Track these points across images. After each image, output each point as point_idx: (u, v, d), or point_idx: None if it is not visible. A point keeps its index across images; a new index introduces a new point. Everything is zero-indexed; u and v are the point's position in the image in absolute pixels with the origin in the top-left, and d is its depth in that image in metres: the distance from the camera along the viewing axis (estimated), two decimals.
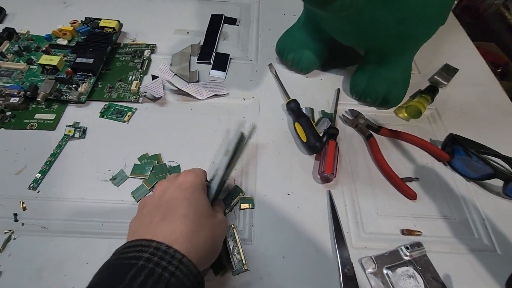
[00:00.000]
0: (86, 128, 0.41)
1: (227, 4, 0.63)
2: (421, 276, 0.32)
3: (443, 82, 0.52)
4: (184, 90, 0.45)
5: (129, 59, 0.50)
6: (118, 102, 0.45)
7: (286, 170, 0.39)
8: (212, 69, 0.50)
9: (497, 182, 0.38)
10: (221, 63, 0.51)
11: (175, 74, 0.49)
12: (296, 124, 0.42)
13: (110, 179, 0.37)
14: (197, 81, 0.48)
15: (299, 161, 0.40)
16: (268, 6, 0.63)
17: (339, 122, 0.45)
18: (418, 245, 0.34)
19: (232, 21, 0.59)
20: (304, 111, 0.44)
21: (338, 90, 0.49)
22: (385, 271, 0.32)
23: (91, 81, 0.45)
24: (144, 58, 0.50)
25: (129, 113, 0.43)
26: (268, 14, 0.61)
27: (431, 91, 0.48)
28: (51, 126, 0.41)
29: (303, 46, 0.48)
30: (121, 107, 0.44)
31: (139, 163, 0.38)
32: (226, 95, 0.47)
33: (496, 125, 0.47)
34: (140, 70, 0.49)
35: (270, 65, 0.51)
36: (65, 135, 0.40)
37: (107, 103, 0.44)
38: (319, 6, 0.31)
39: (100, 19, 0.52)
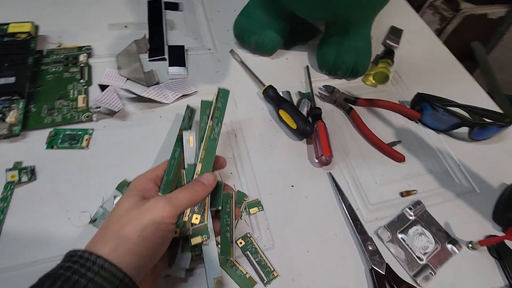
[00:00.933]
0: (34, 166, 0.33)
1: None
2: (428, 231, 0.35)
3: (394, 44, 0.54)
4: (146, 96, 0.39)
5: (61, 69, 0.41)
6: (66, 125, 0.36)
7: (282, 162, 0.38)
8: (170, 65, 0.44)
9: (463, 129, 0.42)
10: (178, 57, 0.45)
11: (127, 79, 0.41)
12: (281, 111, 0.39)
13: (90, 222, 0.30)
14: (157, 83, 0.42)
15: (292, 149, 0.39)
16: None
17: (317, 100, 0.45)
18: (418, 203, 0.36)
19: (173, 6, 0.52)
20: (282, 95, 0.42)
21: (307, 67, 0.48)
22: (399, 236, 0.34)
23: (20, 106, 0.35)
24: (81, 64, 0.41)
25: (86, 136, 0.36)
26: None
27: (389, 54, 0.50)
28: None
29: (264, 26, 0.45)
30: (72, 130, 0.36)
31: (119, 193, 0.32)
32: (195, 93, 0.42)
33: (446, 77, 0.52)
34: (81, 80, 0.40)
35: (232, 51, 0.47)
36: (8, 182, 0.31)
37: (51, 129, 0.36)
38: None
39: (8, 24, 0.40)
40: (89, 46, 0.44)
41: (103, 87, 0.39)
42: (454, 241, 0.34)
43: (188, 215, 0.25)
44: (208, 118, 0.30)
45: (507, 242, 0.34)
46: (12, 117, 0.34)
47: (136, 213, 0.23)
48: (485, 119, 0.44)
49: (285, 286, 0.30)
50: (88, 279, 0.19)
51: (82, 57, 0.42)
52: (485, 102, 0.49)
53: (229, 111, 0.41)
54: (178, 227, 0.25)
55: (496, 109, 0.47)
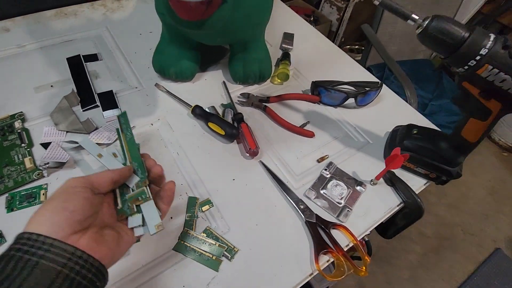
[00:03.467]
0: (0, 231, 0.36)
1: (75, 42, 0.60)
2: (341, 181, 0.46)
3: (289, 47, 0.67)
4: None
5: None
6: (20, 187, 0.40)
7: (221, 163, 0.46)
8: (104, 110, 0.49)
9: (351, 100, 0.55)
10: (109, 101, 0.50)
11: (67, 132, 0.46)
12: (210, 123, 0.48)
13: None
14: (96, 128, 0.47)
15: (226, 151, 0.47)
16: (119, 31, 0.63)
17: (238, 107, 0.54)
18: (331, 163, 0.47)
19: (92, 57, 0.57)
20: (208, 111, 0.50)
21: (224, 82, 0.57)
22: (321, 192, 0.44)
23: None
24: (18, 130, 0.45)
25: (42, 191, 0.40)
26: (124, 38, 0.62)
27: (286, 56, 0.62)
28: None
29: (179, 58, 0.53)
30: (27, 190, 0.40)
31: None
32: (133, 128, 0.48)
33: (334, 63, 0.65)
34: (22, 144, 0.43)
35: (157, 85, 0.54)
36: None
37: (6, 194, 0.39)
38: (194, 28, 0.37)
39: None
40: (21, 112, 0.47)
41: (45, 145, 0.43)
42: (360, 183, 0.46)
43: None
44: (120, 132, 0.38)
45: (395, 171, 0.47)
46: None
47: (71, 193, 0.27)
48: (365, 88, 0.57)
49: (245, 256, 0.38)
50: (39, 256, 0.22)
51: (17, 124, 0.45)
52: (365, 75, 0.64)
53: (166, 134, 0.48)
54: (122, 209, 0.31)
55: (372, 79, 0.62)
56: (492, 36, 0.32)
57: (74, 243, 0.24)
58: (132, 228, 0.30)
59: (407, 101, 0.61)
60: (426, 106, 1.49)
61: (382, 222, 0.49)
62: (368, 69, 1.54)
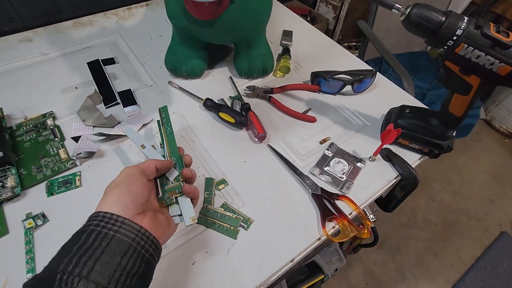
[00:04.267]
0: (43, 212, 0.41)
1: (93, 49, 0.65)
2: (343, 159, 0.50)
3: (289, 43, 0.72)
4: (114, 134, 0.49)
5: (34, 135, 0.49)
6: (56, 175, 0.45)
7: (232, 148, 0.51)
8: (124, 106, 0.54)
9: (348, 88, 0.60)
10: (129, 98, 0.56)
11: (94, 127, 0.51)
12: (220, 113, 0.53)
13: None
14: (119, 123, 0.52)
15: (237, 137, 0.52)
16: (131, 37, 0.69)
17: (245, 99, 0.59)
18: (332, 144, 0.52)
19: (110, 61, 0.63)
20: (218, 102, 0.55)
21: (231, 77, 0.62)
22: (325, 168, 0.49)
23: (13, 171, 0.43)
24: (51, 127, 0.50)
25: (77, 178, 0.45)
26: (137, 43, 0.67)
27: (286, 51, 0.67)
28: (3, 231, 0.39)
29: (189, 57, 0.58)
30: (64, 177, 0.45)
31: None
32: (151, 121, 0.53)
33: (329, 55, 0.70)
34: (56, 139, 0.49)
35: (170, 82, 0.60)
36: (27, 229, 0.39)
37: (46, 181, 0.44)
38: (206, 27, 0.42)
39: None
40: (51, 111, 0.52)
41: (76, 139, 0.49)
42: (360, 160, 0.50)
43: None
44: (161, 125, 0.42)
45: (391, 147, 0.51)
46: (10, 182, 0.42)
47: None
48: (360, 76, 0.62)
49: (260, 225, 0.42)
50: (115, 231, 0.26)
51: (49, 121, 0.51)
52: (360, 64, 0.68)
53: (182, 124, 0.53)
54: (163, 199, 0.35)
55: (367, 67, 0.66)
56: (466, 19, 0.37)
57: (139, 223, 0.28)
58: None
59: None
60: (424, 96, 1.53)
61: (382, 197, 0.54)
62: (366, 63, 1.58)
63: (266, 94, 0.59)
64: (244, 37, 0.57)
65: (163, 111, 0.43)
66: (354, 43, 2.14)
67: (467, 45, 0.37)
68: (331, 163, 0.50)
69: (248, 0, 0.45)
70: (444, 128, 0.48)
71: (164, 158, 0.39)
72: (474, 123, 1.45)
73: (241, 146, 0.51)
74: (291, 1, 1.97)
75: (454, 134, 0.50)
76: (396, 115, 0.52)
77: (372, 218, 1.13)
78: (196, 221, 0.34)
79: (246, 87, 0.60)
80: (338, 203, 0.45)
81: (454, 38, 0.37)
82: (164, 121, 0.41)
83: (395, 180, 0.49)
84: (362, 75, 0.60)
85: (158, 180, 0.36)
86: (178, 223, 0.35)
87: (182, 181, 0.36)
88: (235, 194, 0.45)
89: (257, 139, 0.51)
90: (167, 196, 0.35)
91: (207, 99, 0.55)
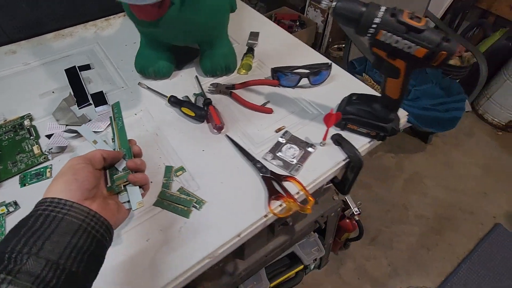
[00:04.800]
0: (15, 200, 0.46)
1: (71, 57, 0.71)
2: (295, 145, 0.54)
3: (254, 42, 0.76)
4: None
5: (12, 135, 0.54)
6: (30, 169, 0.50)
7: (193, 139, 0.55)
8: (96, 107, 0.59)
9: (306, 81, 0.64)
10: (100, 99, 0.60)
11: (66, 125, 0.56)
12: (183, 108, 0.57)
13: None
14: (90, 120, 0.57)
15: (198, 129, 0.56)
16: (108, 44, 0.74)
17: (209, 95, 0.63)
18: (286, 132, 0.56)
19: (86, 67, 0.68)
20: (181, 99, 0.60)
21: (196, 76, 0.66)
22: (277, 154, 0.52)
23: None
24: (27, 127, 0.55)
25: (48, 170, 0.49)
26: (112, 50, 0.73)
27: (250, 50, 0.71)
28: None
29: (156, 59, 0.63)
30: (36, 170, 0.49)
31: None
32: None
33: (292, 52, 0.74)
34: (31, 137, 0.54)
35: (140, 83, 0.64)
36: None
37: (20, 174, 0.49)
38: (151, 27, 0.47)
39: None
40: (29, 113, 0.58)
41: (49, 136, 0.53)
42: (311, 145, 0.54)
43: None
44: (113, 120, 0.45)
45: (342, 133, 0.55)
46: None
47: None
48: (317, 69, 0.66)
49: (212, 205, 0.46)
50: (63, 213, 0.27)
51: (26, 122, 0.56)
52: (322, 59, 0.72)
53: (148, 120, 0.57)
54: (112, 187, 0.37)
55: (326, 61, 0.70)
56: (383, 8, 0.41)
57: (88, 206, 0.29)
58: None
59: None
60: (409, 92, 1.55)
61: (339, 181, 0.57)
62: (351, 63, 1.62)
63: (228, 90, 0.63)
64: (205, 38, 0.62)
65: (115, 107, 0.46)
66: (343, 45, 2.18)
67: (385, 32, 0.41)
68: (283, 148, 0.53)
69: (193, 3, 0.49)
70: (385, 112, 0.51)
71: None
72: (459, 116, 1.46)
73: (201, 137, 0.55)
74: (281, 8, 2.04)
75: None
76: (345, 103, 0.56)
77: (356, 211, 1.15)
78: (143, 205, 0.36)
79: (210, 84, 0.64)
80: (286, 184, 0.48)
81: (374, 26, 0.41)
82: (116, 116, 0.44)
83: (344, 162, 0.52)
84: (318, 68, 0.64)
85: (108, 171, 0.38)
86: (129, 209, 0.37)
87: (130, 171, 0.38)
88: (192, 179, 0.49)
89: (215, 130, 0.55)
90: (115, 185, 0.37)
91: (171, 96, 0.59)
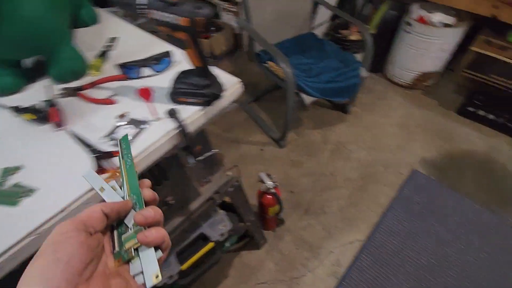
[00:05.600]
0: None
1: None
2: (132, 125, 0.59)
3: (110, 45, 0.81)
4: None
5: None
6: None
7: (37, 140, 0.58)
8: None
9: (150, 70, 0.70)
10: None
11: None
12: (25, 115, 0.60)
13: None
14: None
15: (41, 132, 0.60)
16: None
17: (61, 99, 0.67)
18: (123, 115, 0.61)
19: None
20: (28, 107, 0.63)
21: (48, 85, 0.70)
22: (112, 135, 0.58)
23: None
24: None
25: None
26: None
27: (102, 54, 0.77)
28: None
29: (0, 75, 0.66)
30: None
31: None
32: None
33: (147, 49, 0.80)
34: None
35: None
36: None
37: None
38: None
39: None
40: None
41: None
42: (145, 122, 0.59)
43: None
44: (121, 158, 0.34)
45: (178, 107, 0.61)
46: None
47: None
48: (157, 58, 0.72)
49: (44, 191, 0.50)
50: None
51: None
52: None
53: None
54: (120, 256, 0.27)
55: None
56: None
57: None
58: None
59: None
60: (311, 69, 1.69)
61: (186, 146, 0.63)
62: (257, 54, 1.73)
63: (75, 92, 0.67)
64: (42, 49, 0.66)
65: (124, 142, 0.35)
66: None
67: (153, 10, 0.48)
68: (120, 130, 0.58)
69: (7, 16, 0.54)
70: (200, 80, 0.59)
71: (124, 199, 0.31)
72: (357, 82, 1.62)
73: (44, 137, 0.59)
74: None
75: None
76: (175, 80, 0.62)
77: (271, 185, 1.23)
78: (161, 279, 0.26)
79: (60, 89, 0.68)
80: (115, 159, 0.54)
81: (145, 7, 0.48)
82: (124, 153, 0.34)
83: (177, 131, 0.58)
84: (159, 56, 0.71)
85: (116, 231, 0.29)
86: (143, 285, 0.26)
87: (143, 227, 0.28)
88: (27, 174, 0.53)
89: (56, 127, 0.60)
90: (124, 250, 0.27)
91: (15, 106, 0.62)
